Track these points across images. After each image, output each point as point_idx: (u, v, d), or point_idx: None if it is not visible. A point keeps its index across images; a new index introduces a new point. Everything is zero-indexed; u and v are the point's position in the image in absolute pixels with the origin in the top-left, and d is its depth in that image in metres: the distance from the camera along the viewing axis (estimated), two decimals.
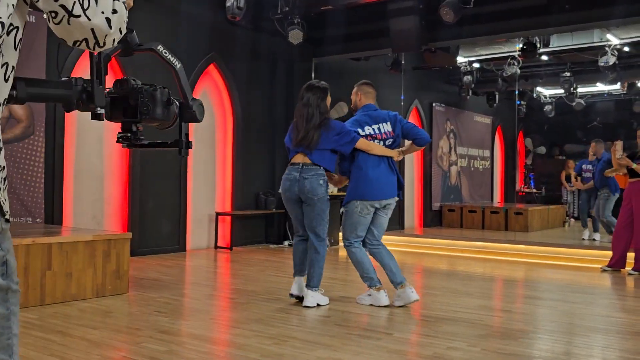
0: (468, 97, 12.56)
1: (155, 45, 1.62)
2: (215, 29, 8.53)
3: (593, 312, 4.81)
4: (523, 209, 11.72)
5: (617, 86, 12.48)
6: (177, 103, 1.60)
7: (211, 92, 8.81)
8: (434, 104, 12.47)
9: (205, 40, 8.46)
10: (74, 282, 4.82)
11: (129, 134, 1.54)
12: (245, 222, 9.02)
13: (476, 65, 11.51)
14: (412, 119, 12.03)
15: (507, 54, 10.52)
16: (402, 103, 10.94)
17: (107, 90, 1.47)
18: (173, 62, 1.64)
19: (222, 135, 8.96)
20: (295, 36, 8.40)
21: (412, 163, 12.19)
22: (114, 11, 1.25)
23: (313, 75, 9.68)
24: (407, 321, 4.40)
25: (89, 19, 1.22)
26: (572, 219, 12.52)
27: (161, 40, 6.82)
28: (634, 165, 6.68)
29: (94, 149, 7.40)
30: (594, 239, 9.48)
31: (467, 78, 11.31)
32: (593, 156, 9.50)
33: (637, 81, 11.77)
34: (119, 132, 1.56)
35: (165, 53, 1.63)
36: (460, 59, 11.04)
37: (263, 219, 9.38)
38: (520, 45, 9.47)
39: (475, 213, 12.17)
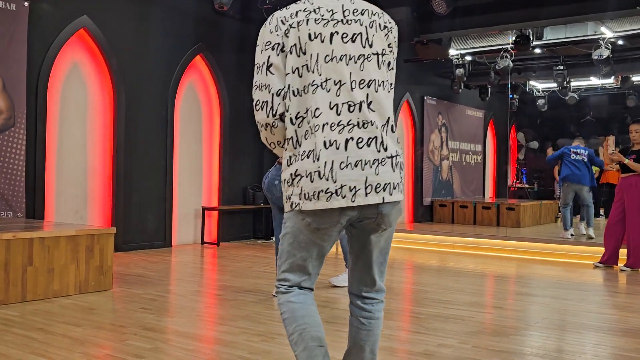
0: (460, 90, 12.57)
1: None
2: (202, 19, 8.50)
3: (585, 308, 4.84)
4: (515, 205, 11.77)
5: (611, 80, 12.54)
6: None
7: (198, 84, 8.77)
8: (425, 97, 12.49)
9: (191, 30, 8.42)
10: (56, 278, 4.80)
11: None
12: (233, 217, 9.01)
13: (468, 58, 11.51)
14: (403, 112, 12.05)
15: (500, 47, 10.53)
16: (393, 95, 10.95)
17: None
18: None
19: (209, 129, 8.92)
20: None
21: (403, 157, 12.19)
22: None
23: None
24: (398, 318, 4.41)
25: None
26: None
27: (146, 30, 6.82)
28: (626, 161, 6.73)
29: (77, 142, 7.35)
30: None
31: (459, 71, 11.32)
32: None
33: (631, 75, 11.82)
34: None
35: None
36: (452, 52, 11.04)
37: (251, 213, 9.37)
38: (513, 38, 9.49)
39: (466, 208, 12.22)
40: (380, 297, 2.26)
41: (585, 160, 9.02)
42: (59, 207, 7.15)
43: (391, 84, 2.13)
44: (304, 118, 2.01)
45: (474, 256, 8.07)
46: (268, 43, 2.05)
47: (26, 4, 6.60)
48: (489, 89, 13.48)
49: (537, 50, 10.76)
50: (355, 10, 2.07)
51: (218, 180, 8.93)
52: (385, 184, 2.00)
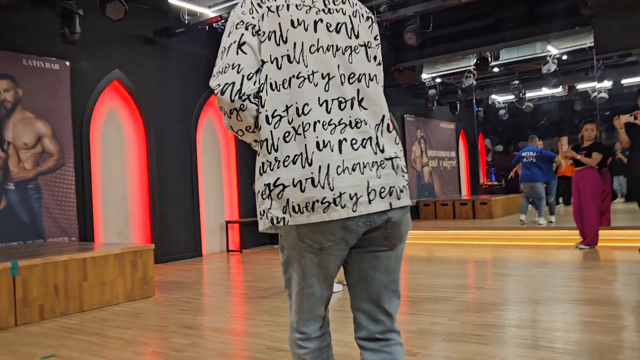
0: (433, 107, 12.61)
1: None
2: (212, 64, 8.53)
3: (552, 283, 4.83)
4: (487, 200, 11.75)
5: (560, 89, 12.56)
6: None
7: (214, 117, 8.80)
8: (405, 115, 12.52)
9: (207, 74, 8.46)
10: (108, 289, 4.80)
11: None
12: (252, 227, 9.01)
13: (438, 79, 11.57)
14: None
15: (464, 69, 10.57)
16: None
17: None
18: None
19: (226, 155, 8.95)
20: None
21: (404, 159, 12.20)
22: None
23: None
24: None
25: None
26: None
27: (168, 77, 6.85)
28: (578, 156, 6.73)
29: (118, 174, 7.38)
30: (550, 221, 9.49)
31: (432, 91, 11.37)
32: None
33: (576, 84, 11.84)
34: None
35: None
36: (424, 75, 11.09)
37: None
38: (475, 61, 9.53)
39: (446, 206, 12.20)
40: (397, 338, 1.59)
41: (535, 160, 9.14)
42: (106, 230, 7.16)
43: (380, 80, 1.61)
44: (282, 117, 1.45)
45: (456, 245, 8.05)
46: (240, 23, 1.48)
47: (67, 63, 6.64)
48: (458, 105, 13.52)
49: (496, 69, 10.79)
50: None
51: (237, 197, 8.93)
52: (390, 188, 1.47)
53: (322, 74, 1.48)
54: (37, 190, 6.19)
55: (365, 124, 1.49)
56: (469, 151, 15.10)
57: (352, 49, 1.53)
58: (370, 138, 1.48)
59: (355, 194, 1.43)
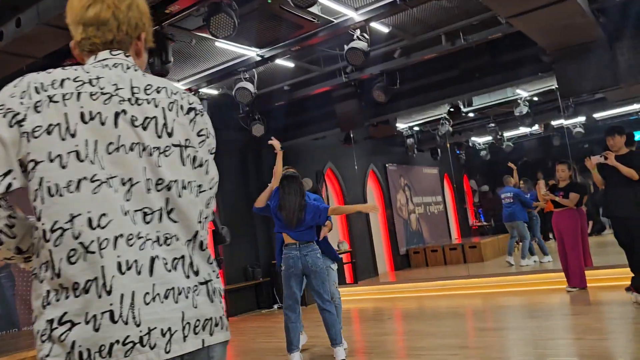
0: (414, 155, 12.69)
1: None
2: None
3: (542, 336, 4.71)
4: (477, 243, 11.67)
5: (536, 127, 12.72)
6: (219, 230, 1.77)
7: None
8: (387, 165, 12.57)
9: None
10: None
11: None
12: (238, 293, 8.84)
13: (416, 128, 11.70)
14: (370, 179, 12.10)
15: (439, 116, 10.71)
16: (357, 169, 11.04)
17: None
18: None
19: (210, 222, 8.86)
20: (258, 130, 8.48)
21: (377, 216, 12.18)
22: None
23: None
24: None
25: None
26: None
27: None
28: (557, 199, 6.71)
29: None
30: (548, 261, 9.34)
31: (410, 140, 11.47)
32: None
33: (550, 121, 12.00)
34: None
35: None
36: (400, 125, 11.21)
37: (253, 288, 9.20)
38: (448, 109, 9.66)
39: (437, 252, 12.09)
40: None
41: (512, 201, 9.18)
42: None
43: (198, 187, 1.29)
44: (64, 230, 1.11)
45: (447, 296, 7.91)
46: (1, 106, 1.15)
47: None
48: (439, 150, 13.62)
49: (471, 114, 10.93)
50: (149, 87, 1.28)
51: (222, 265, 8.81)
52: (205, 321, 1.20)
53: (123, 179, 1.18)
54: (10, 279, 6.07)
55: (177, 239, 1.21)
56: (454, 194, 15.12)
57: (162, 150, 1.23)
58: (182, 257, 1.20)
59: (169, 329, 1.13)
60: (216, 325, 1.23)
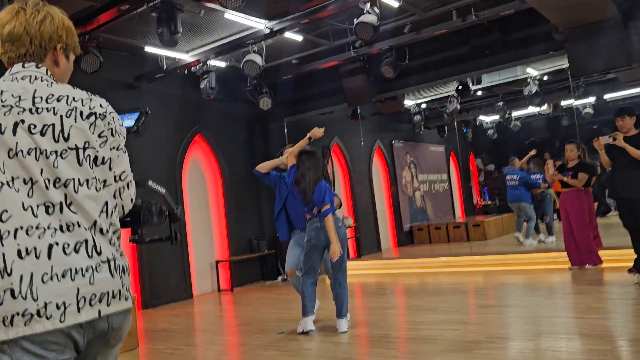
0: (421, 132, 12.64)
1: (146, 182, 2.02)
2: (196, 105, 8.58)
3: (542, 314, 4.75)
4: (480, 221, 11.69)
5: (545, 107, 12.60)
6: (166, 211, 2.01)
7: (200, 157, 8.81)
8: (393, 142, 12.54)
9: (190, 115, 8.50)
10: None
11: (136, 236, 1.95)
12: (242, 265, 8.94)
13: (423, 105, 11.62)
14: (376, 156, 12.09)
15: (448, 94, 10.62)
16: (363, 145, 11.02)
17: None
18: (160, 190, 2.07)
19: (214, 194, 8.93)
20: (265, 103, 8.46)
21: (382, 192, 12.21)
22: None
23: (286, 132, 9.72)
24: (380, 345, 4.31)
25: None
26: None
27: (153, 120, 6.76)
28: (565, 179, 6.69)
29: None
30: (551, 242, 9.40)
31: (417, 117, 11.41)
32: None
33: (559, 101, 11.88)
34: (129, 236, 1.97)
35: (154, 186, 2.06)
36: (408, 102, 11.14)
37: (257, 260, 9.29)
38: (456, 86, 9.58)
39: (440, 229, 12.13)
40: None
41: (517, 184, 9.17)
42: None
43: (104, 181, 1.51)
44: None
45: (449, 273, 7.97)
46: None
47: None
48: (445, 128, 13.55)
49: (479, 93, 10.84)
50: (51, 97, 1.46)
51: (226, 236, 8.88)
52: (102, 294, 1.40)
53: (24, 179, 1.39)
54: None
55: (79, 226, 1.41)
56: (460, 172, 15.09)
57: (58, 153, 1.42)
58: (85, 240, 1.41)
59: (64, 303, 1.34)
60: (114, 297, 1.43)
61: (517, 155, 10.06)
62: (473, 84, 9.81)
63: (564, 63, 8.89)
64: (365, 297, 6.97)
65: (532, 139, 13.71)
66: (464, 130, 14.23)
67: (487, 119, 13.92)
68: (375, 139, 11.94)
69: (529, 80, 9.66)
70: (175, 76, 7.85)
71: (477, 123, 14.05)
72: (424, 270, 8.53)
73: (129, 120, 2.22)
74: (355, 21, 5.72)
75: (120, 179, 1.56)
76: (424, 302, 5.88)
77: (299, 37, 7.08)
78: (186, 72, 7.59)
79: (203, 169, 8.84)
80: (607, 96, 11.27)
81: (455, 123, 12.57)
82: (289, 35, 6.77)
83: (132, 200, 1.69)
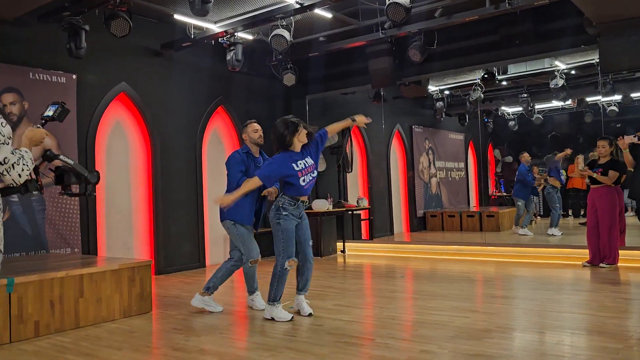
0: (442, 118, 12.53)
1: (58, 156, 2.97)
2: (220, 77, 8.56)
3: (553, 309, 4.74)
4: (494, 212, 11.63)
5: (569, 102, 12.39)
6: (83, 174, 2.88)
7: (221, 129, 8.82)
8: (413, 126, 12.45)
9: (212, 86, 8.49)
10: (104, 306, 4.81)
11: (64, 191, 3.00)
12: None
13: (446, 92, 11.49)
14: (395, 140, 12.02)
15: (472, 82, 10.48)
16: (384, 128, 10.94)
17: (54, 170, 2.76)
18: (69, 162, 2.90)
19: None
20: (289, 79, 8.42)
21: (398, 177, 12.16)
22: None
23: (307, 110, 9.68)
24: (389, 326, 4.34)
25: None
26: (537, 217, 12.45)
27: (174, 89, 6.96)
28: (595, 175, 6.58)
29: (122, 185, 7.42)
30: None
31: (439, 104, 11.28)
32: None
33: (585, 97, 11.68)
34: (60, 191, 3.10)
35: (64, 159, 2.93)
36: (431, 88, 11.01)
37: (269, 234, 9.30)
38: (482, 75, 9.44)
39: (454, 217, 12.09)
40: None
41: (516, 179, 9.62)
42: (109, 240, 7.19)
43: None
44: None
45: (460, 261, 7.96)
46: None
47: (74, 76, 6.70)
48: (467, 116, 13.41)
49: (504, 83, 10.69)
50: None
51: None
52: None
53: None
54: (41, 202, 6.24)
55: None
56: (477, 162, 14.96)
57: None
58: None
59: None
60: None
61: (538, 149, 10.04)
62: (499, 74, 9.66)
63: (593, 58, 8.71)
64: (374, 278, 7.00)
65: (554, 133, 13.52)
66: (485, 120, 14.05)
67: (509, 110, 13.73)
68: (395, 123, 11.85)
69: (555, 73, 9.48)
70: (202, 46, 7.82)
71: (499, 113, 13.87)
72: (435, 256, 8.52)
73: (50, 111, 2.92)
74: (387, 1, 5.63)
75: (4, 162, 2.51)
76: (435, 288, 5.88)
77: (328, 15, 7.00)
78: (213, 42, 7.55)
79: (223, 141, 8.86)
80: (634, 95, 11.04)
81: (484, 110, 12.42)
82: (318, 12, 6.69)
83: (19, 175, 2.54)
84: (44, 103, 6.33)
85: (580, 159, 6.82)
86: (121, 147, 7.45)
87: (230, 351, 3.85)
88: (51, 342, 4.19)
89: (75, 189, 2.78)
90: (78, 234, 6.59)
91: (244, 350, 3.82)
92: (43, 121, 2.87)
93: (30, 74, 6.30)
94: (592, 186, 6.71)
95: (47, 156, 2.69)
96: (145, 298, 5.12)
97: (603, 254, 6.63)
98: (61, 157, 2.76)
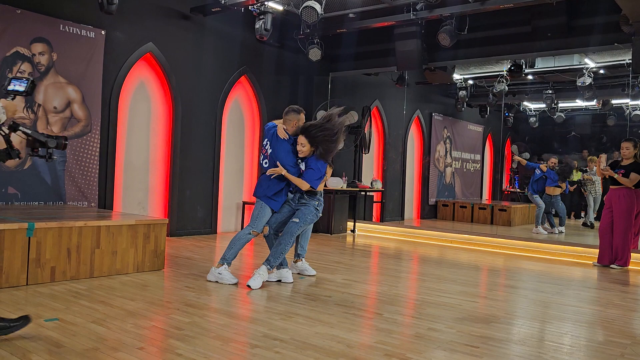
0: (463, 108, 12.43)
1: (17, 128, 3.04)
2: (246, 46, 8.55)
3: (560, 301, 4.75)
4: (507, 207, 11.59)
5: (594, 103, 12.23)
6: (41, 140, 3.07)
7: (242, 99, 8.83)
8: (433, 114, 12.38)
9: (237, 55, 8.48)
10: (119, 258, 4.89)
11: (32, 153, 3.14)
12: None
13: (470, 81, 11.38)
14: (414, 126, 11.97)
15: (497, 73, 10.38)
16: (405, 112, 10.89)
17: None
18: (27, 131, 3.02)
19: (250, 136, 8.99)
20: (315, 54, 8.39)
21: (413, 162, 12.14)
22: None
23: (329, 87, 9.65)
24: (397, 303, 4.38)
25: None
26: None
27: (201, 54, 6.96)
28: (615, 175, 6.53)
29: (142, 145, 7.48)
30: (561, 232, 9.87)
31: (462, 93, 11.20)
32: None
33: (611, 99, 11.52)
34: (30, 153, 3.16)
35: (23, 129, 3.03)
36: (456, 76, 10.92)
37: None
38: (508, 66, 9.34)
39: (465, 208, 12.07)
40: None
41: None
42: (125, 198, 7.28)
43: None
44: None
45: (469, 250, 7.98)
46: None
47: (103, 32, 6.72)
48: (488, 108, 13.28)
49: (530, 77, 10.57)
50: None
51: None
52: None
53: None
54: (62, 154, 6.31)
55: None
56: (494, 156, 14.87)
57: None
58: None
59: None
60: None
61: (557, 147, 10.00)
62: (526, 67, 9.55)
63: (624, 59, 8.59)
64: (382, 259, 7.03)
65: (573, 133, 13.39)
66: (506, 114, 13.94)
67: (531, 105, 13.59)
68: (416, 109, 11.80)
69: (584, 71, 9.37)
70: (231, 13, 7.80)
71: (521, 109, 13.73)
72: (444, 244, 8.54)
73: (21, 86, 3.02)
74: None
75: None
76: (443, 272, 5.91)
77: None
78: (243, 10, 7.52)
79: (243, 110, 8.88)
80: None
81: (506, 104, 12.31)
82: None
83: None
84: (73, 56, 6.40)
85: (603, 157, 6.77)
86: (143, 107, 7.49)
87: (241, 312, 3.91)
88: (66, 287, 4.28)
89: (42, 152, 3.14)
90: (96, 189, 6.68)
91: (254, 312, 3.87)
92: (12, 95, 3.05)
93: (61, 25, 6.33)
94: (611, 187, 6.66)
95: (11, 127, 3.04)
96: (159, 255, 5.20)
97: (615, 254, 6.61)
98: (20, 128, 3.04)
